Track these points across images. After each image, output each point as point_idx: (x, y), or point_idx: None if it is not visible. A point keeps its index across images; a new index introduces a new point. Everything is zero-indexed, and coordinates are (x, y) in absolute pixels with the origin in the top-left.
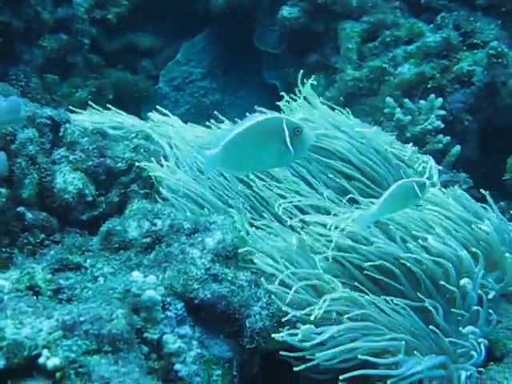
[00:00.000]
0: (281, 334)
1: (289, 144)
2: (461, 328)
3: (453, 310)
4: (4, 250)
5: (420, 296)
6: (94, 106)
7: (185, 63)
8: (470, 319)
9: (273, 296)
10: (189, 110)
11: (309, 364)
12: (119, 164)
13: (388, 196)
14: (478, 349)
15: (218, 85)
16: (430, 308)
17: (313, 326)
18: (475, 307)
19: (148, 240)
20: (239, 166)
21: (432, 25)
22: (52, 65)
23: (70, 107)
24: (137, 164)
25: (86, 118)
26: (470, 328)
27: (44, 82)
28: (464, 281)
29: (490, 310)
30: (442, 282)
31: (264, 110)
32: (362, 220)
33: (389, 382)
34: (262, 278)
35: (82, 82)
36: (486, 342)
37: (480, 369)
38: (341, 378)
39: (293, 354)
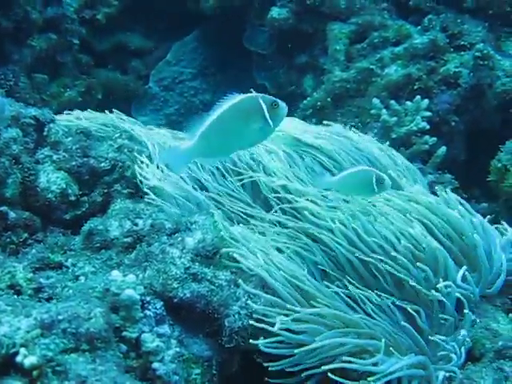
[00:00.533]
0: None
1: (268, 119)
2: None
3: (441, 315)
4: None
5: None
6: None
7: (175, 63)
8: (454, 323)
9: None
10: (178, 110)
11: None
12: (102, 164)
13: (347, 174)
14: (458, 351)
15: (208, 85)
16: (412, 312)
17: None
18: (466, 311)
19: (129, 239)
20: (219, 152)
21: (419, 27)
22: (41, 64)
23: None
24: (120, 164)
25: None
26: (462, 332)
27: (33, 82)
28: (444, 284)
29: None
30: (424, 291)
31: None
32: (318, 183)
33: (369, 379)
34: (240, 280)
35: (71, 81)
36: (469, 343)
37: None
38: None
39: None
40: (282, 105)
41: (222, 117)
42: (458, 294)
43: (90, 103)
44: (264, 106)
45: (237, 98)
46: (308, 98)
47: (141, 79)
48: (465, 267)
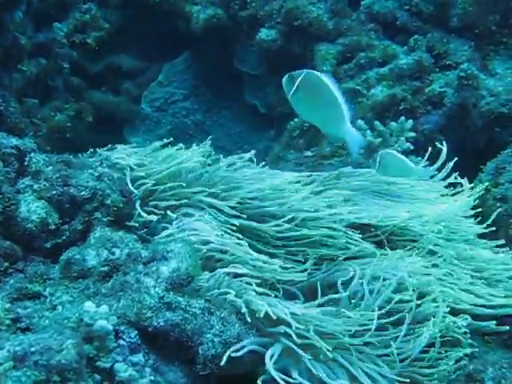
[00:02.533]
0: None
1: None
2: None
3: None
4: None
5: None
6: None
7: (167, 84)
8: None
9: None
10: (171, 131)
11: None
12: (83, 192)
13: None
14: None
15: (200, 105)
16: None
17: None
18: None
19: (106, 269)
20: None
21: (406, 47)
22: (32, 88)
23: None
24: (100, 192)
25: None
26: None
27: (24, 106)
28: None
29: None
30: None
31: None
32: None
33: None
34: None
35: (62, 105)
36: None
37: None
38: None
39: None
40: None
41: None
42: None
43: (81, 126)
44: None
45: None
46: (295, 120)
47: (133, 100)
48: None
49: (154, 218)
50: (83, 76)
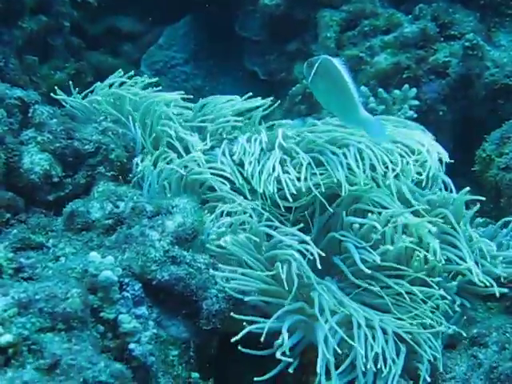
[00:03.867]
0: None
1: None
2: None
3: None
4: None
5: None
6: None
7: (167, 48)
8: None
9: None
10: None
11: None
12: (87, 146)
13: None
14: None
15: (200, 70)
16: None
17: None
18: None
19: (110, 222)
20: None
21: (410, 15)
22: (32, 46)
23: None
24: (104, 147)
25: None
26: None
27: (23, 64)
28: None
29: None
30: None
31: None
32: None
33: None
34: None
35: (61, 64)
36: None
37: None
38: None
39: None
40: None
41: None
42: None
43: (80, 86)
44: None
45: None
46: (297, 85)
47: (132, 63)
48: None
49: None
50: (82, 37)
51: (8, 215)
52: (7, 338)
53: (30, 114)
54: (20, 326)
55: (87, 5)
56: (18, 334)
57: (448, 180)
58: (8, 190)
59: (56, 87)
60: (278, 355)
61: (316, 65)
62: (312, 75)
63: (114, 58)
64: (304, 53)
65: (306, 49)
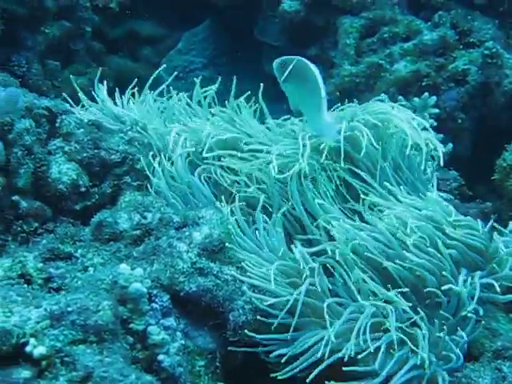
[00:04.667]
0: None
1: None
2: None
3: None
4: None
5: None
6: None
7: (186, 52)
8: (457, 323)
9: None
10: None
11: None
12: (113, 156)
13: None
14: (458, 352)
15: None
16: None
17: None
18: (468, 312)
19: (138, 232)
20: None
21: (430, 22)
22: (54, 51)
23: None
24: (130, 157)
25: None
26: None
27: (46, 69)
28: (451, 287)
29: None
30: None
31: None
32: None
33: None
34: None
35: (83, 68)
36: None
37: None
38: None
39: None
40: None
41: None
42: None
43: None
44: None
45: None
46: None
47: (152, 67)
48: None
49: None
50: (102, 41)
51: (36, 224)
52: (40, 350)
53: (57, 124)
54: (53, 338)
55: (108, 10)
56: (50, 346)
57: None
58: (36, 199)
59: (80, 91)
60: None
61: (291, 65)
62: (286, 75)
63: (134, 62)
64: (323, 59)
65: (325, 55)
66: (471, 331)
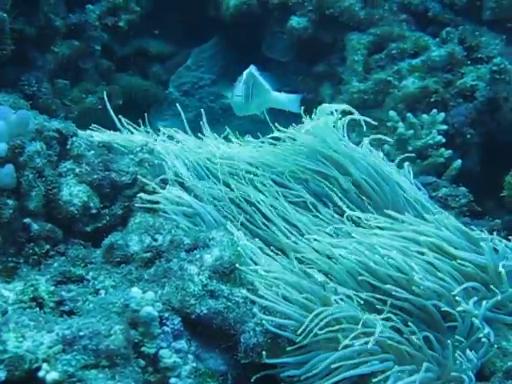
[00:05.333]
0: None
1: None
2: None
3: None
4: (10, 259)
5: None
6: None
7: (195, 69)
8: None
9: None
10: (198, 115)
11: None
12: (124, 178)
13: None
14: (470, 374)
15: (227, 91)
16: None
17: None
18: (480, 335)
19: (149, 255)
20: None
21: (438, 38)
22: (63, 70)
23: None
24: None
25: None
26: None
27: (55, 87)
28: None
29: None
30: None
31: None
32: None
33: None
34: (257, 298)
35: (92, 87)
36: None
37: None
38: None
39: None
40: None
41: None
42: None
43: (111, 109)
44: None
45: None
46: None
47: (161, 84)
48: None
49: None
50: (111, 58)
51: (47, 246)
52: (53, 375)
53: (68, 146)
54: (65, 363)
55: (117, 28)
56: (63, 371)
57: None
58: (47, 221)
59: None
60: None
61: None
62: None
63: (143, 80)
64: (331, 75)
65: (333, 71)
66: (484, 354)
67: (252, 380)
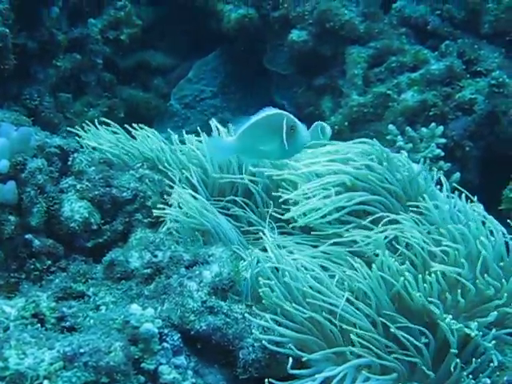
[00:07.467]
0: None
1: (285, 140)
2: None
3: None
4: (12, 275)
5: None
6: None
7: (196, 81)
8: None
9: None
10: (199, 128)
11: None
12: (124, 194)
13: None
14: None
15: (229, 103)
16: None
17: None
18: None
19: (149, 271)
20: (249, 155)
21: (437, 52)
22: (65, 83)
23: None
24: (141, 194)
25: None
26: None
27: (57, 101)
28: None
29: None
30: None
31: None
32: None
33: None
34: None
35: (94, 100)
36: None
37: None
38: None
39: None
40: (302, 131)
41: (255, 125)
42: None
43: (113, 121)
44: (284, 127)
45: (270, 112)
46: (326, 122)
47: (162, 97)
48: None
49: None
50: (113, 71)
51: (49, 262)
52: None
53: (69, 162)
54: (66, 380)
55: (119, 41)
56: None
57: None
58: (49, 237)
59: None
60: None
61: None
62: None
63: (145, 92)
64: (331, 87)
65: (334, 84)
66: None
67: None
